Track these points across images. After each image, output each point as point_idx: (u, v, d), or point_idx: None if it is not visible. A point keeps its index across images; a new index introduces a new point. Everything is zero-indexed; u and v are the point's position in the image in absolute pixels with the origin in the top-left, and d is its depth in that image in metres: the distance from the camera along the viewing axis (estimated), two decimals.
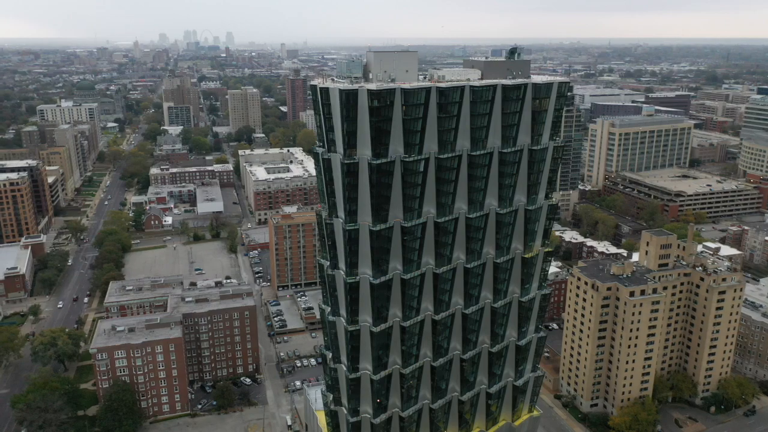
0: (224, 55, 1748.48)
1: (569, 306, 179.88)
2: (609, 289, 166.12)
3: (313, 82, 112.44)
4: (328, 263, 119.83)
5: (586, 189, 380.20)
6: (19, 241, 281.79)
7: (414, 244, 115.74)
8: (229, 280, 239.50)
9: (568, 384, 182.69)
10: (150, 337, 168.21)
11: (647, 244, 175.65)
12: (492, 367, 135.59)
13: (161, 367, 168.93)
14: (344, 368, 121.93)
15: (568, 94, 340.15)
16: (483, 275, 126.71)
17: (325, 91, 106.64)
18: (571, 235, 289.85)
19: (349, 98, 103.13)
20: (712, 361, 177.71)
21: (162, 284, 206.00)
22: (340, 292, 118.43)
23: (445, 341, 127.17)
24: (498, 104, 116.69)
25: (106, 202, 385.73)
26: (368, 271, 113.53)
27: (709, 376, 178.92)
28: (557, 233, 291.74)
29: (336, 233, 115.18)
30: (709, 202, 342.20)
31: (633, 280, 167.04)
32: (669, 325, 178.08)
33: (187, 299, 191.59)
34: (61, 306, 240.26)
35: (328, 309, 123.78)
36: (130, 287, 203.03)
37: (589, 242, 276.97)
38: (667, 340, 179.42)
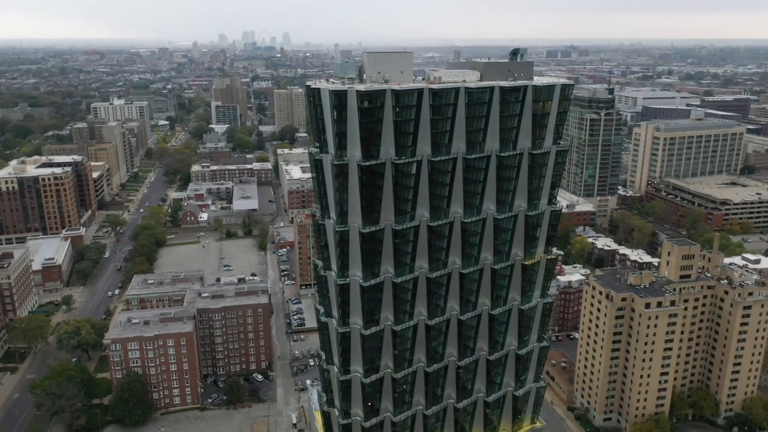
0: (279, 55, 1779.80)
1: (584, 315, 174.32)
2: (624, 299, 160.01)
3: (308, 83, 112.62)
4: (321, 264, 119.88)
5: (628, 195, 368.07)
6: (61, 233, 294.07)
7: (406, 248, 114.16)
8: (252, 278, 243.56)
9: (582, 396, 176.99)
10: (162, 331, 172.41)
11: (668, 253, 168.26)
12: (490, 376, 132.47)
13: (172, 360, 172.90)
14: (336, 370, 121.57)
15: (609, 96, 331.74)
16: (480, 281, 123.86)
17: (317, 92, 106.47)
18: (604, 242, 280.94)
19: (338, 99, 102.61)
20: (736, 380, 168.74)
21: (182, 279, 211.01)
22: (331, 293, 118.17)
23: (440, 347, 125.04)
24: (496, 106, 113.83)
25: (149, 198, 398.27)
26: (359, 273, 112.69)
27: (733, 395, 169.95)
28: (590, 240, 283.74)
29: (328, 234, 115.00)
30: (758, 212, 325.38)
31: (650, 291, 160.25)
32: (690, 339, 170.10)
33: (203, 295, 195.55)
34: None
35: (322, 310, 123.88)
36: (152, 281, 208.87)
37: (623, 250, 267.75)
38: (688, 355, 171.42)
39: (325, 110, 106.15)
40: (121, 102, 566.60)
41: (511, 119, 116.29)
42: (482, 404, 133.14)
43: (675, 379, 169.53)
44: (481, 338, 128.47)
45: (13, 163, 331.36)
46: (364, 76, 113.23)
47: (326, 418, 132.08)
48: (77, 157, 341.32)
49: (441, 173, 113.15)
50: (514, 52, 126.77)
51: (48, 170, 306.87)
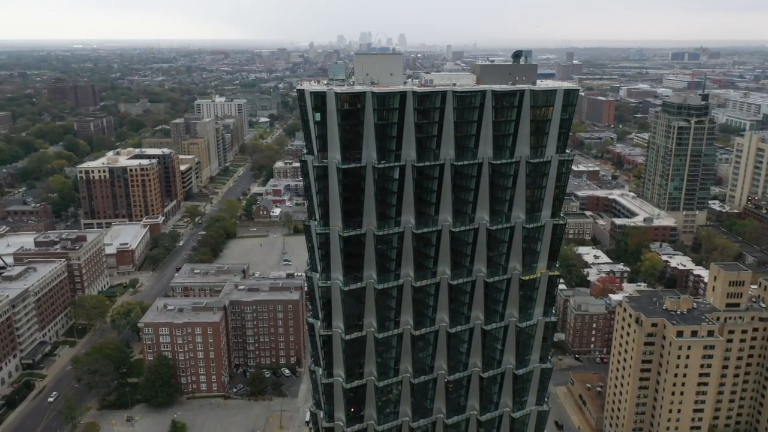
0: None
1: (615, 339, 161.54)
2: (654, 325, 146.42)
3: (297, 84, 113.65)
4: (309, 265, 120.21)
5: (723, 210, 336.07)
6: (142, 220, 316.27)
7: (390, 254, 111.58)
8: (301, 274, 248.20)
9: (610, 425, 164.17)
10: (192, 319, 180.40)
11: (714, 278, 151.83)
12: (485, 394, 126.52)
13: (200, 348, 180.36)
14: (320, 372, 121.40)
15: (702, 102, 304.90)
16: (473, 294, 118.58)
17: (302, 93, 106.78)
18: (679, 261, 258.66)
19: (318, 100, 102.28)
20: None
21: (225, 271, 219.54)
22: (316, 296, 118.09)
23: (428, 358, 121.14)
24: (488, 111, 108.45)
25: (233, 192, 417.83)
26: (340, 276, 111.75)
27: None
28: (663, 257, 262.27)
29: (312, 236, 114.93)
30: None
31: (686, 319, 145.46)
32: (737, 376, 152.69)
33: (239, 287, 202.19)
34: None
35: (310, 312, 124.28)
36: (198, 271, 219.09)
37: (697, 270, 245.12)
38: (733, 393, 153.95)
39: (308, 111, 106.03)
40: (222, 99, 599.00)
41: (506, 125, 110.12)
42: (475, 422, 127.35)
43: (716, 417, 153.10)
44: (474, 354, 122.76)
45: (110, 154, 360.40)
46: (352, 78, 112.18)
47: (314, 419, 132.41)
48: (166, 151, 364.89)
49: (428, 179, 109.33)
50: (517, 55, 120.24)
51: (136, 162, 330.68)
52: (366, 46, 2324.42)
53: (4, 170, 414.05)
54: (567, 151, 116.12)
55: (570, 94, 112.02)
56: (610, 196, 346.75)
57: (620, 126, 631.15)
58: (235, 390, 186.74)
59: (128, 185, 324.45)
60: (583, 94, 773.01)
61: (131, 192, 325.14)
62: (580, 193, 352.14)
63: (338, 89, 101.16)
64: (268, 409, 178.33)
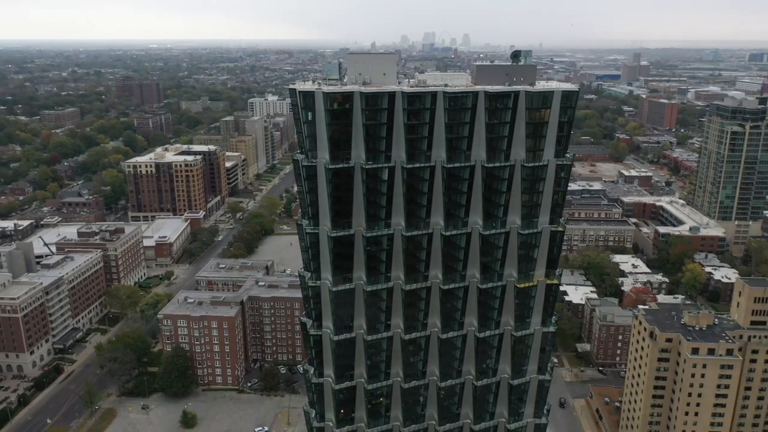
0: (453, 56, 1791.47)
1: (630, 353, 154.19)
2: (669, 340, 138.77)
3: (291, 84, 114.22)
4: (303, 265, 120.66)
5: None
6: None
7: (380, 256, 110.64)
8: None
9: None
10: (209, 312, 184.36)
11: (739, 293, 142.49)
12: (479, 403, 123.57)
13: (216, 342, 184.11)
14: (311, 372, 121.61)
15: (758, 107, 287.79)
16: (466, 299, 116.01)
17: (293, 93, 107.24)
18: (724, 273, 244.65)
19: (307, 100, 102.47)
20: None
21: (249, 267, 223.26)
22: (308, 295, 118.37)
23: (419, 363, 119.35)
24: (481, 113, 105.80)
25: (278, 189, 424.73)
26: (329, 277, 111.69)
27: None
28: (707, 269, 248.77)
29: (303, 236, 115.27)
30: None
31: (703, 335, 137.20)
32: (761, 398, 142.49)
33: (260, 283, 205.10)
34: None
35: (304, 311, 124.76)
36: (223, 266, 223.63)
37: None
38: (757, 416, 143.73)
39: (300, 111, 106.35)
40: (275, 98, 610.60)
41: (500, 127, 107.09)
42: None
43: None
44: (468, 361, 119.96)
45: (158, 149, 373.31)
46: (345, 78, 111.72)
47: (307, 418, 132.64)
48: (212, 147, 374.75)
49: (419, 181, 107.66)
50: (515, 55, 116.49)
51: (181, 158, 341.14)
52: (429, 47, 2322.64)
53: (65, 163, 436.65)
54: (567, 155, 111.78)
55: (569, 96, 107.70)
56: (658, 203, 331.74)
57: (682, 130, 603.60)
58: (249, 384, 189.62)
59: (173, 180, 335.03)
60: (644, 96, 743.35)
61: (176, 187, 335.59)
62: (626, 200, 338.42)
63: (327, 89, 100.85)
64: (278, 405, 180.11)
